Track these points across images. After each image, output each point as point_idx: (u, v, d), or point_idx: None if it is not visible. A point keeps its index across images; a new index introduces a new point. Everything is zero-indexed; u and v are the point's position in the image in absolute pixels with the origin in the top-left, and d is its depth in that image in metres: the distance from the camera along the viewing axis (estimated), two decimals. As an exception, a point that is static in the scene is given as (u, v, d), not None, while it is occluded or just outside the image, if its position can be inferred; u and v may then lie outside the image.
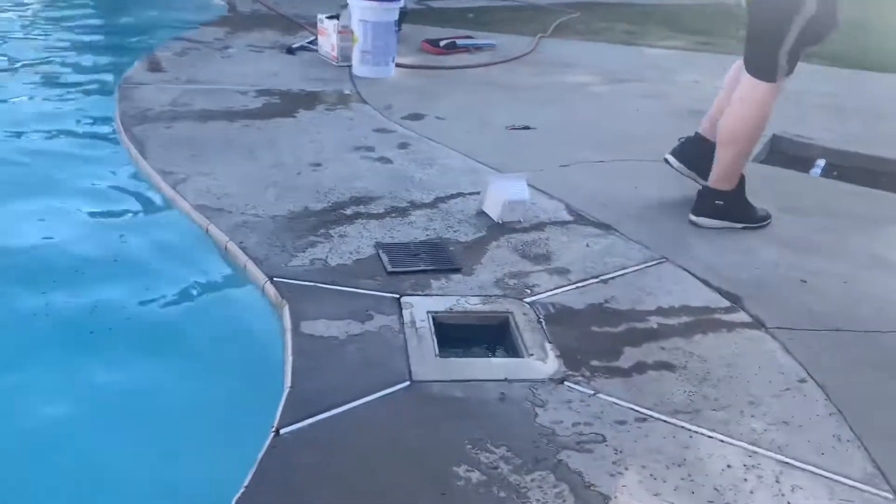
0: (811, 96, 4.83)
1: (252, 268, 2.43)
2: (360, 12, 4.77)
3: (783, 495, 1.63)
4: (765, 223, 3.04)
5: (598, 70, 5.48)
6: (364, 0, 4.73)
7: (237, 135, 3.64)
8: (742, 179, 3.01)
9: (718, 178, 2.98)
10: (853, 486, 1.67)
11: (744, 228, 2.99)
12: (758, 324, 2.30)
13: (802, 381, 2.04)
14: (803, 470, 1.71)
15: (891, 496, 1.65)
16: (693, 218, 3.01)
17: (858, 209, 3.27)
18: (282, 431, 1.70)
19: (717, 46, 6.59)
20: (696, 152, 3.20)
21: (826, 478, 1.69)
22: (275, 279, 2.35)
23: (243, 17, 6.48)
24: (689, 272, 2.59)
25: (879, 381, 2.08)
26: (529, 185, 2.99)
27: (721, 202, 2.98)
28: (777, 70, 2.78)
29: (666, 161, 3.29)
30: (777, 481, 1.67)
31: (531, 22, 7.19)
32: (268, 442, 1.67)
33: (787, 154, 4.09)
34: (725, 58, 6.11)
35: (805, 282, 2.59)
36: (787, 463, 1.72)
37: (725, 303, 2.41)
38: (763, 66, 2.81)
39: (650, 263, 2.64)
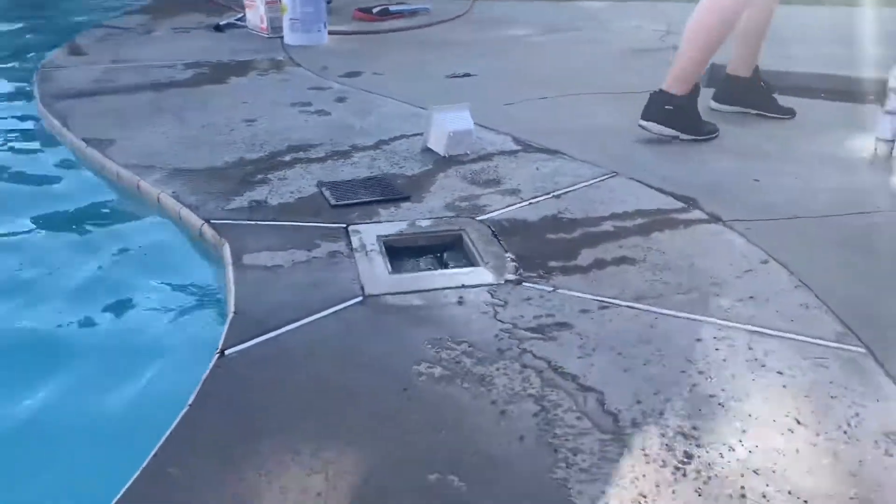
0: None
1: (187, 214, 2.30)
2: (286, -21, 4.63)
3: (756, 360, 1.57)
4: (712, 136, 3.00)
5: (535, 24, 5.42)
6: (289, -34, 4.60)
7: (166, 103, 3.48)
8: (695, 89, 2.98)
9: (672, 79, 2.96)
10: (826, 346, 1.62)
11: (690, 140, 2.95)
12: (714, 219, 2.25)
13: (765, 262, 1.99)
14: (774, 336, 1.66)
15: (863, 350, 1.61)
16: (641, 122, 2.97)
17: (802, 118, 3.26)
18: (227, 352, 1.59)
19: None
20: (734, 89, 3.27)
21: (798, 341, 1.64)
22: (212, 221, 2.22)
23: (167, 4, 6.25)
24: (642, 182, 2.54)
25: (841, 256, 2.05)
26: (476, 123, 2.90)
27: (671, 107, 2.94)
28: None
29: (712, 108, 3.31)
30: (749, 348, 1.61)
31: (464, -11, 7.12)
32: (212, 363, 1.55)
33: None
34: (660, 4, 6.20)
35: (758, 181, 2.56)
36: (757, 331, 1.67)
37: (680, 204, 2.36)
38: None
39: (601, 178, 2.58)
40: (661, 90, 2.97)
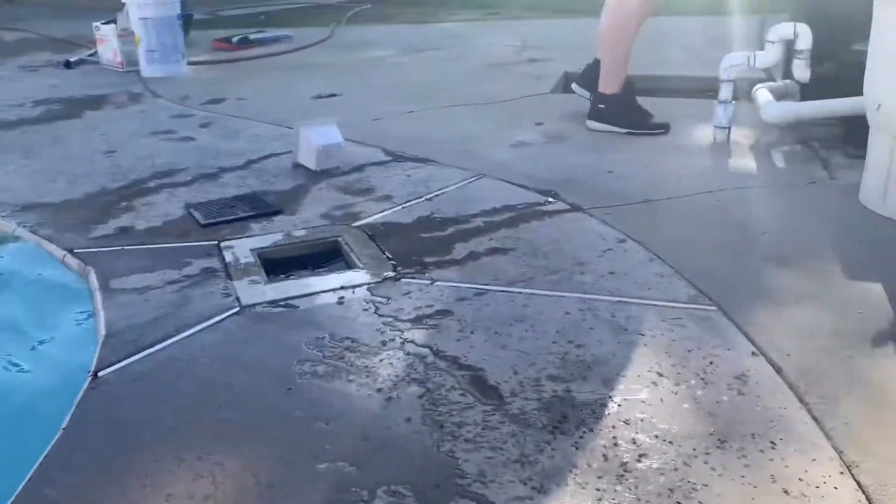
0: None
1: (48, 245, 2.20)
2: (139, 10, 4.53)
3: (620, 325, 1.69)
4: (657, 131, 3.15)
5: (396, 46, 5.54)
6: (141, -4, 4.50)
7: (15, 140, 3.32)
8: (628, 86, 3.20)
9: (602, 80, 3.21)
10: (681, 307, 1.76)
11: (627, 133, 3.15)
12: (575, 208, 2.39)
13: (622, 241, 2.13)
14: (634, 303, 1.78)
15: (714, 308, 1.76)
16: (587, 122, 3.26)
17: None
18: (100, 374, 1.53)
19: (505, 15, 6.92)
20: (595, 75, 3.37)
21: (656, 305, 1.77)
22: (74, 251, 2.14)
23: (9, 45, 5.96)
24: (507, 181, 2.65)
25: (690, 230, 2.22)
26: (345, 139, 2.94)
27: (603, 106, 3.21)
28: None
29: (573, 90, 3.49)
30: (612, 316, 1.73)
31: (324, 17, 7.17)
32: (85, 385, 1.50)
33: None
34: (514, 23, 6.50)
35: (612, 172, 2.74)
36: (618, 301, 1.79)
37: (543, 197, 2.49)
38: None
39: (470, 180, 2.67)
40: (597, 91, 3.24)
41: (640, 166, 2.78)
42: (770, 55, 2.86)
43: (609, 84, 3.25)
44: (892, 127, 2.13)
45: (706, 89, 4.11)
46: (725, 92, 2.92)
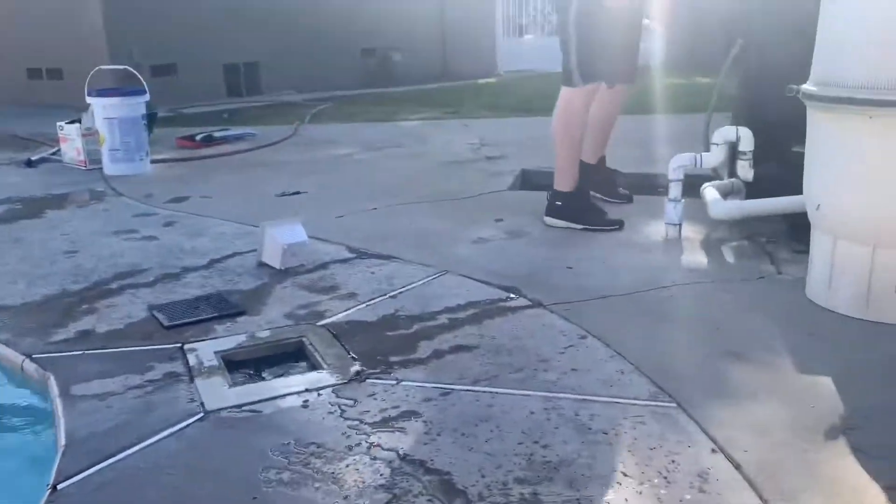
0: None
1: (5, 351, 2.17)
2: (104, 110, 4.60)
3: (584, 424, 1.72)
4: (611, 228, 3.26)
5: (358, 143, 5.70)
6: (107, 98, 4.58)
7: (-26, 240, 3.29)
8: (581, 183, 3.35)
9: (556, 177, 3.36)
10: (642, 405, 1.80)
11: (583, 230, 3.26)
12: (536, 304, 2.45)
13: (583, 337, 2.19)
14: (597, 401, 1.82)
15: (674, 405, 1.80)
16: (544, 218, 3.36)
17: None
18: (59, 486, 1.50)
19: (463, 114, 7.19)
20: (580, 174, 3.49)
21: (618, 403, 1.81)
22: (33, 356, 2.11)
23: (-29, 142, 5.97)
24: (470, 277, 2.71)
25: (647, 326, 2.29)
26: (309, 236, 2.99)
27: (559, 202, 3.33)
28: (572, 76, 3.20)
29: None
30: (577, 414, 1.76)
31: (287, 115, 7.36)
32: (44, 500, 1.46)
33: (536, 182, 4.47)
34: (472, 121, 6.75)
35: (571, 268, 2.82)
36: (582, 399, 1.83)
37: (505, 294, 2.55)
38: (564, 73, 3.25)
39: (433, 276, 2.73)
40: (553, 189, 3.36)
41: (597, 262, 2.87)
42: (715, 156, 3.03)
43: (563, 182, 3.40)
44: (831, 226, 2.26)
45: (658, 185, 4.31)
46: (675, 191, 3.07)
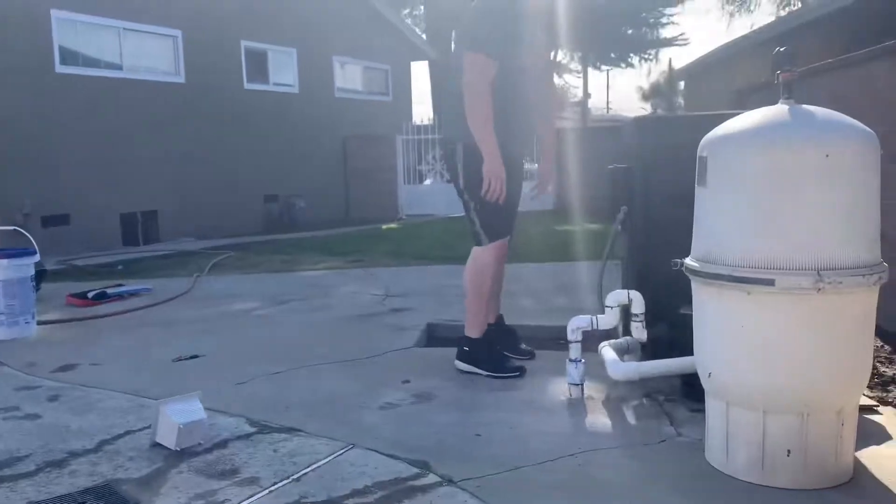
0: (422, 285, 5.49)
1: None
2: (-11, 272, 4.38)
3: None
4: (514, 374, 3.44)
5: (260, 296, 5.63)
6: (-9, 259, 4.38)
7: None
8: (490, 334, 3.55)
9: (466, 325, 3.56)
10: None
11: (487, 376, 3.44)
12: (447, 481, 2.40)
13: (495, 518, 2.15)
14: None
15: None
16: (455, 362, 3.55)
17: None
18: None
19: (368, 262, 7.28)
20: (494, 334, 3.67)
21: None
22: None
23: None
24: (378, 451, 2.65)
25: (561, 499, 2.28)
26: (207, 408, 2.87)
27: (467, 348, 3.53)
28: (479, 238, 3.46)
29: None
30: None
31: (185, 266, 7.24)
32: None
33: (442, 336, 4.50)
34: (375, 270, 6.83)
35: (479, 435, 2.81)
36: None
37: (415, 469, 2.49)
38: (472, 234, 3.50)
39: (339, 452, 2.64)
40: (464, 334, 3.55)
41: (505, 427, 2.87)
42: (609, 318, 3.17)
43: (473, 329, 3.55)
44: (723, 393, 2.37)
45: (556, 337, 4.43)
46: (575, 352, 3.16)
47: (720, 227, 2.31)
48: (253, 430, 2.89)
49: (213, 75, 10.63)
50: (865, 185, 2.19)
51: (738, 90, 7.57)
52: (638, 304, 3.13)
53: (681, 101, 22.66)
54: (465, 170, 3.45)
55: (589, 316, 3.20)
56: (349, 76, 14.44)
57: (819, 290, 2.13)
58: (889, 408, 2.99)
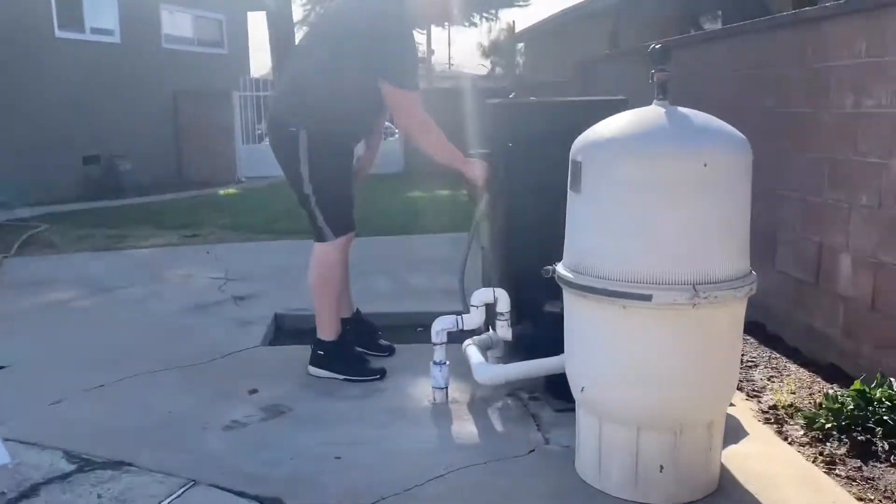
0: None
1: None
2: None
3: None
4: (373, 377, 3.22)
5: (80, 283, 5.00)
6: None
7: None
8: (344, 333, 3.29)
9: (318, 327, 3.28)
10: None
11: (345, 380, 3.20)
12: (306, 521, 2.16)
13: (363, 569, 1.93)
14: None
15: None
16: (308, 368, 3.26)
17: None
18: None
19: (204, 237, 6.72)
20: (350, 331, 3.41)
21: None
22: None
23: None
24: (224, 489, 2.34)
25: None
26: (13, 440, 2.42)
27: (322, 352, 3.25)
28: (323, 233, 3.19)
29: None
30: None
31: (-12, 243, 6.33)
32: None
33: (291, 328, 4.17)
34: (212, 247, 6.28)
35: (340, 458, 2.56)
36: None
37: (268, 510, 2.22)
38: (314, 230, 3.22)
39: (179, 493, 2.31)
40: (316, 338, 3.27)
41: (368, 446, 2.64)
42: (475, 318, 3.01)
43: (326, 331, 3.29)
44: (596, 409, 2.28)
45: (416, 324, 4.24)
46: (439, 354, 2.99)
47: (595, 237, 2.18)
48: (72, 467, 2.48)
49: (14, 21, 9.30)
50: (742, 195, 2.13)
51: (581, 62, 7.65)
52: (503, 303, 2.99)
53: (520, 60, 23.03)
54: (311, 160, 3.14)
55: (453, 316, 3.02)
56: (179, 26, 13.29)
57: (695, 305, 2.05)
58: (740, 394, 3.07)
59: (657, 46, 2.23)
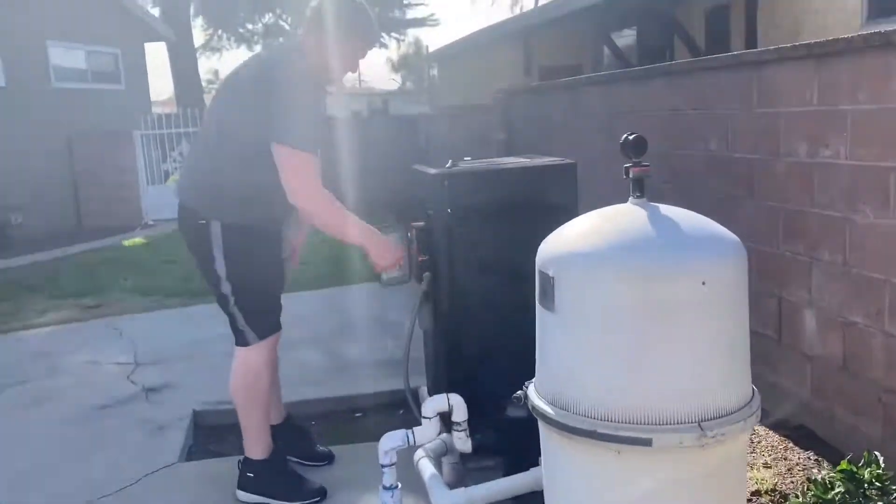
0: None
1: None
2: None
3: None
4: (314, 499, 2.79)
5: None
6: None
7: None
8: (276, 447, 2.86)
9: (245, 444, 2.84)
10: None
11: None
12: None
13: None
14: None
15: None
16: (236, 492, 2.82)
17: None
18: None
19: (109, 307, 6.07)
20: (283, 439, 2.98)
21: None
22: None
23: None
24: None
25: None
26: None
27: (251, 474, 2.81)
28: (245, 336, 2.75)
29: None
30: None
31: None
32: None
33: (214, 426, 3.66)
34: (121, 319, 5.63)
35: None
36: None
37: None
38: (234, 332, 2.78)
39: None
40: (244, 456, 2.84)
41: None
42: (428, 431, 2.62)
43: (253, 448, 2.83)
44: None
45: (354, 408, 3.83)
46: (388, 478, 2.57)
47: (575, 365, 1.83)
48: None
49: None
50: (743, 309, 1.83)
51: (506, 90, 7.40)
52: (460, 411, 2.61)
53: (434, 73, 22.75)
54: (227, 255, 2.70)
55: (403, 431, 2.61)
56: (70, 63, 12.39)
57: (703, 446, 1.73)
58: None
59: (630, 137, 1.91)
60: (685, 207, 1.89)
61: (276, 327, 2.82)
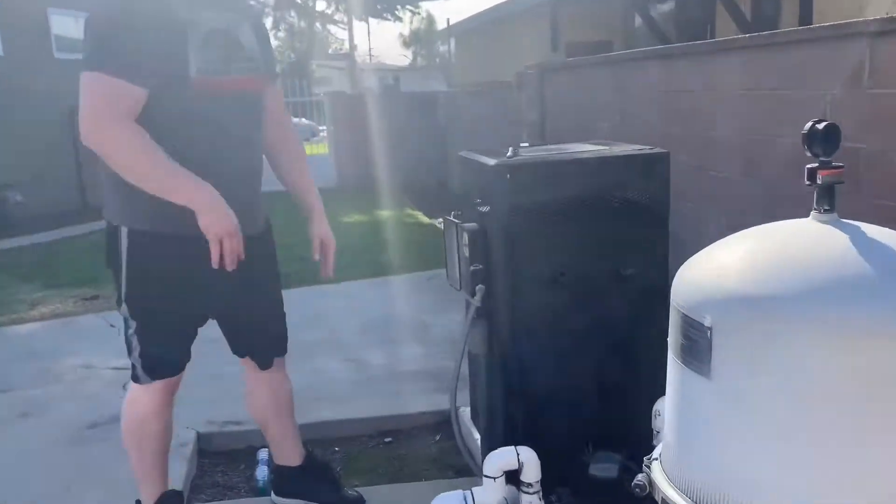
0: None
1: None
2: None
3: None
4: None
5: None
6: None
7: None
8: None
9: (139, 486, 2.38)
10: None
11: None
12: None
13: None
14: None
15: None
16: None
17: None
18: None
19: (108, 300, 5.51)
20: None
21: None
22: None
23: None
24: None
25: None
26: None
27: None
28: (135, 371, 2.23)
29: None
30: None
31: None
32: None
33: (221, 450, 3.16)
34: (117, 314, 5.07)
35: None
36: None
37: None
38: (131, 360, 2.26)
39: None
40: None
41: None
42: (492, 493, 2.07)
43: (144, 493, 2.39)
44: None
45: (383, 432, 3.33)
46: None
47: (748, 455, 1.27)
48: None
49: None
50: None
51: (539, 66, 6.75)
52: (532, 470, 2.06)
53: (449, 48, 21.96)
54: (129, 268, 2.13)
55: (460, 493, 2.08)
56: (73, 33, 11.77)
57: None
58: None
59: (818, 125, 1.33)
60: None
61: (171, 370, 2.26)
